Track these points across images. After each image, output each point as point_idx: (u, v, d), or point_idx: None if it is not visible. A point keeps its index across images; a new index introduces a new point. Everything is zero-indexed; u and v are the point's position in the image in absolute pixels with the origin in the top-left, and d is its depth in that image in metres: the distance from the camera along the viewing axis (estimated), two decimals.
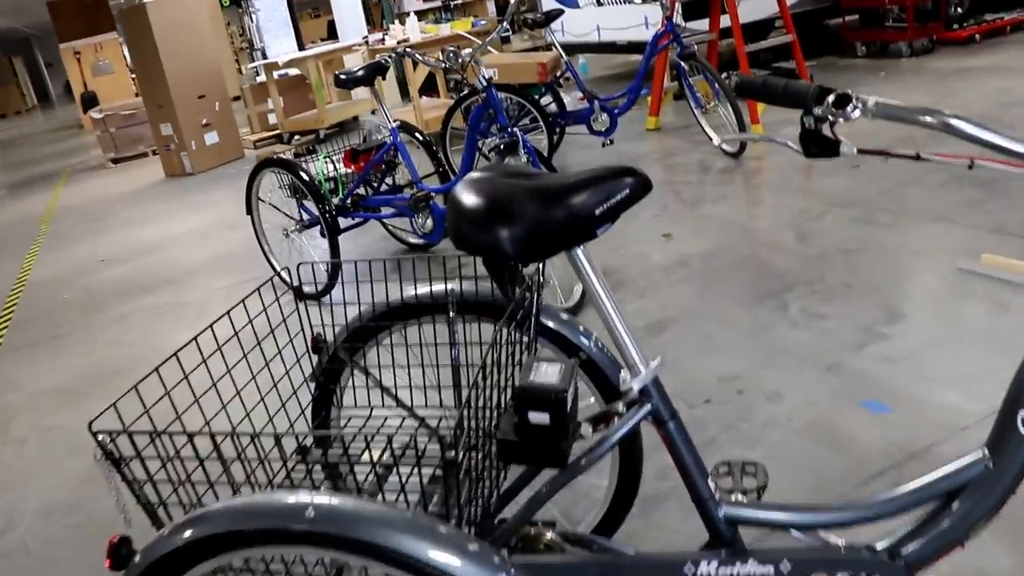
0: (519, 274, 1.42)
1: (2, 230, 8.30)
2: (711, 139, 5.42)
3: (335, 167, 4.10)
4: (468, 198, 1.31)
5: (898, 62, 7.90)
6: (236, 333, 1.54)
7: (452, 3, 10.85)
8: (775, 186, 4.82)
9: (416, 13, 11.29)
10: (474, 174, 1.38)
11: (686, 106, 6.05)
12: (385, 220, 4.46)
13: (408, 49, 3.78)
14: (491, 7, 11.52)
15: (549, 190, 1.26)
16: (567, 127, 5.56)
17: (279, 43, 10.65)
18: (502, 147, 3.33)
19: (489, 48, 3.65)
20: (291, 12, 10.77)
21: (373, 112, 9.72)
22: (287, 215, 4.23)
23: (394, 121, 3.95)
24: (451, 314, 1.68)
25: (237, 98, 12.12)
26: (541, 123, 5.06)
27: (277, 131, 9.61)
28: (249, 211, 4.33)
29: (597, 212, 1.25)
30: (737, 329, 3.21)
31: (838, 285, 3.41)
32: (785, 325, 3.16)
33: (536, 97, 5.28)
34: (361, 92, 10.65)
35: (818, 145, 1.17)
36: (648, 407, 1.37)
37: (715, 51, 6.57)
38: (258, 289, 1.65)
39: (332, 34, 11.72)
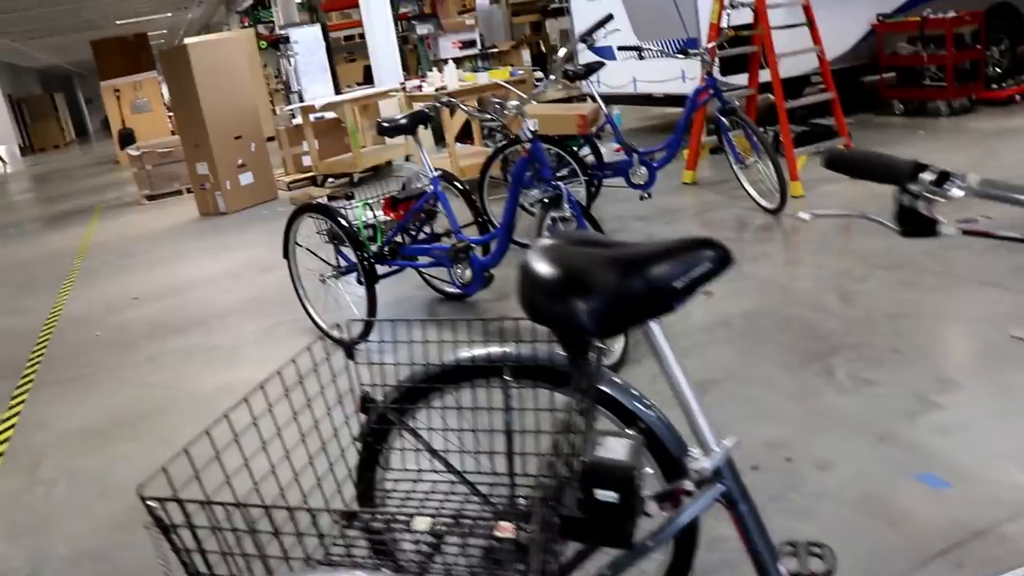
0: (590, 345, 1.36)
1: (37, 264, 8.38)
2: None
3: (374, 214, 4.09)
4: (542, 267, 1.26)
5: (936, 121, 7.85)
6: (287, 393, 1.49)
7: (488, 51, 10.94)
8: (816, 245, 4.75)
9: (452, 60, 11.43)
10: (546, 241, 1.33)
11: (723, 160, 6.02)
12: (422, 269, 4.43)
13: (450, 99, 3.78)
14: (526, 55, 11.63)
15: (627, 261, 1.21)
16: (605, 179, 5.54)
17: (316, 86, 10.78)
18: (546, 200, 3.29)
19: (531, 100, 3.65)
20: (329, 57, 10.92)
21: (407, 158, 9.78)
22: (324, 261, 4.21)
23: (435, 170, 3.94)
24: (506, 378, 1.62)
25: (271, 139, 12.27)
26: (579, 175, 5.05)
27: (311, 173, 9.69)
28: (286, 255, 4.32)
29: (677, 285, 1.19)
30: (782, 393, 3.12)
31: (886, 350, 3.32)
32: (832, 390, 3.08)
33: (574, 148, 5.27)
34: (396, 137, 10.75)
35: (915, 224, 1.11)
36: (721, 488, 1.30)
37: (753, 106, 6.55)
38: (309, 347, 1.60)
39: (368, 79, 11.85)
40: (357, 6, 17.50)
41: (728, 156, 5.53)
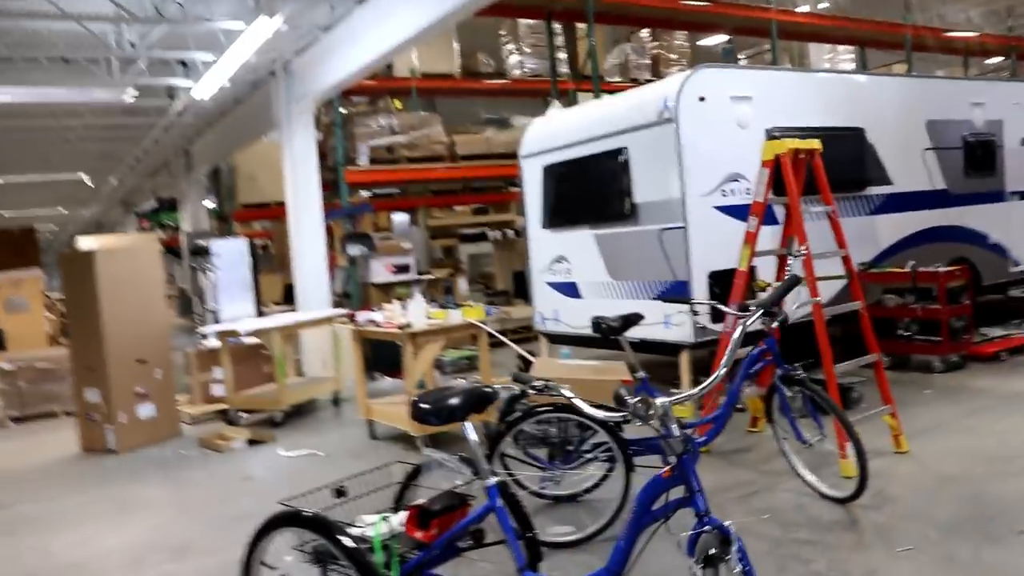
0: None
1: None
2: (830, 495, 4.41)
3: (389, 527, 2.85)
4: None
5: (930, 377, 7.33)
6: None
7: (423, 277, 9.96)
8: (928, 558, 3.72)
9: (379, 286, 10.43)
10: None
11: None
12: None
13: (547, 383, 2.70)
14: (463, 284, 10.79)
15: None
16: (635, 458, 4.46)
17: (234, 305, 9.55)
18: (712, 552, 2.20)
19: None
20: (255, 276, 9.74)
21: (335, 399, 8.48)
22: None
23: (493, 473, 2.76)
24: None
25: None
26: (620, 458, 3.99)
27: (223, 406, 8.28)
28: None
29: None
30: None
31: None
32: None
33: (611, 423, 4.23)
34: (319, 368, 9.51)
35: None
36: None
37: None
38: None
39: (288, 298, 10.68)
40: (271, 218, 16.69)
41: (778, 432, 4.60)
